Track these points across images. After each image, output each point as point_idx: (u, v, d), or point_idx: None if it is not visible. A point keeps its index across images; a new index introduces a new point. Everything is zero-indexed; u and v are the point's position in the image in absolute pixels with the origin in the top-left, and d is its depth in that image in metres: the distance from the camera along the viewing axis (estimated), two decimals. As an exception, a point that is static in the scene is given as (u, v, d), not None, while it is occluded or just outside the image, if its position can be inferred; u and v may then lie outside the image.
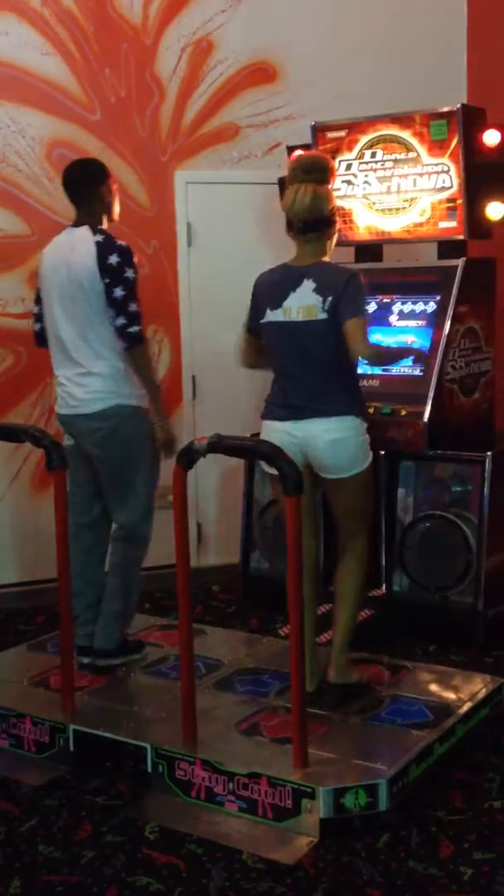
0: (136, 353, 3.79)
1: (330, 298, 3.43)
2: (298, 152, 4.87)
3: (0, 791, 3.34)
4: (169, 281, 5.31)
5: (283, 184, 4.79)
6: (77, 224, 3.86)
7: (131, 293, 3.73)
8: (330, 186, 3.56)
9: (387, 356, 4.07)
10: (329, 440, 3.48)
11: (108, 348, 3.78)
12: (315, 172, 3.51)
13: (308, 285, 3.46)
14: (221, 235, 5.34)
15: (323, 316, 3.43)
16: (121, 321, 3.72)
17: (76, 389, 3.82)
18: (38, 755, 3.52)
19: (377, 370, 4.47)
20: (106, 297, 3.71)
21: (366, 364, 3.67)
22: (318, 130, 4.81)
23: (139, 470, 3.86)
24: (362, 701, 3.57)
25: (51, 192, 5.07)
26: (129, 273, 3.72)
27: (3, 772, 3.45)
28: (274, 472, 3.46)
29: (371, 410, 4.08)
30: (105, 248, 3.72)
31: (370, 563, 4.48)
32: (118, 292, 3.70)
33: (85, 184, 3.87)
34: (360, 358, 3.52)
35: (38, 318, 4.02)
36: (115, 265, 3.70)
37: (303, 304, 3.46)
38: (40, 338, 4.04)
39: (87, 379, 3.79)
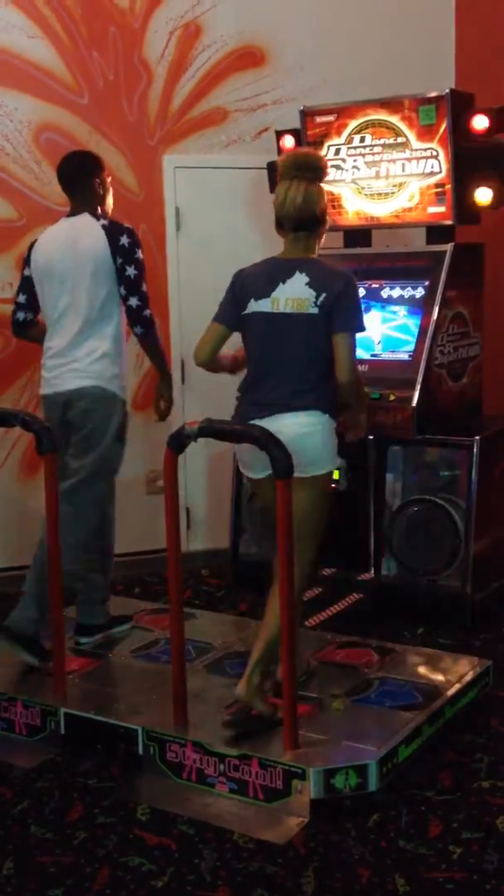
0: (150, 336, 3.87)
1: (324, 296, 3.33)
2: (289, 138, 4.89)
3: (-8, 774, 3.36)
4: (157, 265, 5.30)
5: (272, 168, 4.82)
6: (74, 213, 3.88)
7: (142, 274, 3.81)
8: (322, 185, 3.48)
9: (359, 391, 3.54)
10: (295, 434, 3.31)
11: (105, 338, 3.81)
12: (308, 170, 3.42)
13: (301, 278, 3.37)
14: (210, 220, 5.34)
15: (314, 311, 3.34)
16: (135, 301, 3.78)
17: (63, 369, 3.83)
18: (29, 738, 3.53)
19: (367, 355, 4.48)
20: (118, 277, 3.76)
21: (341, 386, 3.41)
22: (307, 115, 4.81)
23: (97, 454, 3.84)
24: (347, 685, 3.60)
25: (39, 176, 5.05)
26: (139, 253, 3.81)
27: (-5, 755, 3.47)
28: (253, 475, 3.46)
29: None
30: (114, 230, 3.78)
31: (360, 547, 4.55)
32: (131, 271, 3.76)
33: (79, 176, 3.90)
34: (339, 380, 3.38)
35: (23, 307, 4.00)
36: (126, 245, 3.76)
37: (293, 296, 3.37)
38: (23, 327, 4.04)
39: (76, 362, 3.81)
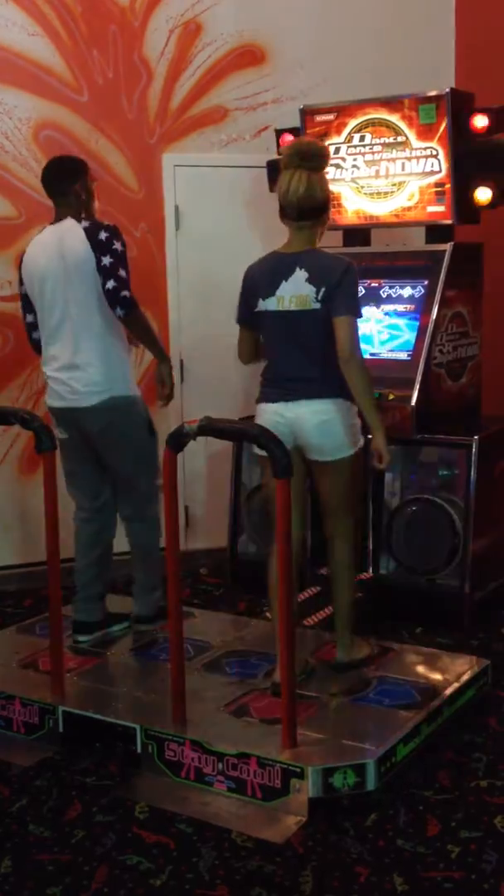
0: (132, 319, 3.81)
1: (324, 289, 3.41)
2: (289, 136, 4.89)
3: (-10, 772, 3.36)
4: (157, 264, 5.30)
5: (271, 167, 4.82)
6: (58, 219, 3.87)
7: (119, 262, 3.75)
8: (325, 174, 3.55)
9: (361, 369, 3.51)
10: (317, 421, 3.49)
11: (106, 340, 3.81)
12: (311, 159, 3.48)
13: (300, 275, 3.45)
14: (209, 218, 5.33)
15: (316, 306, 3.43)
16: (111, 284, 3.71)
17: (74, 383, 3.83)
18: (27, 736, 3.53)
19: (366, 354, 4.47)
20: (97, 270, 3.72)
21: (342, 364, 3.46)
22: (307, 113, 4.81)
23: (137, 457, 3.93)
24: (349, 681, 3.60)
25: (38, 174, 5.00)
26: (117, 245, 3.76)
27: (-7, 753, 3.47)
28: (263, 454, 3.48)
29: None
30: (93, 229, 3.76)
31: (359, 548, 4.53)
32: (106, 260, 3.72)
33: (59, 181, 3.88)
34: (340, 358, 3.44)
35: (34, 327, 3.99)
36: (103, 240, 3.74)
37: (295, 293, 3.45)
38: (38, 344, 4.03)
39: (83, 372, 3.81)
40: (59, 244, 3.79)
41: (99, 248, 3.73)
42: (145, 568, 4.11)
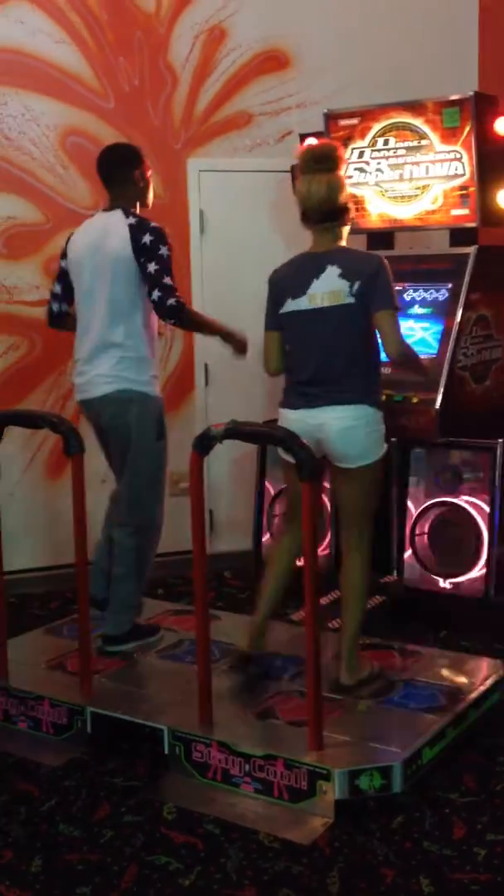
0: (183, 323, 3.84)
1: (357, 283, 3.43)
2: (309, 140, 4.90)
3: (20, 772, 3.40)
4: (181, 268, 5.31)
5: (295, 172, 4.84)
6: (109, 208, 3.87)
7: (165, 268, 3.72)
8: (341, 173, 3.57)
9: (414, 360, 3.78)
10: (341, 428, 3.47)
11: (136, 335, 3.80)
12: (326, 161, 3.52)
13: (333, 271, 3.47)
14: (234, 223, 5.37)
15: (350, 300, 3.44)
16: (156, 294, 3.70)
17: (91, 373, 3.84)
18: (55, 737, 3.57)
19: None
20: (141, 275, 3.72)
21: (392, 361, 3.59)
22: (331, 118, 4.82)
23: (137, 455, 3.86)
24: (376, 685, 3.61)
25: (65, 180, 5.10)
26: (163, 250, 3.73)
27: (22, 753, 3.51)
28: (288, 458, 3.49)
29: (383, 398, 4.10)
30: (138, 229, 3.73)
31: (383, 550, 4.55)
32: (151, 267, 3.70)
33: (117, 167, 3.87)
34: (389, 355, 3.52)
35: (57, 298, 4.01)
36: (148, 244, 3.71)
37: (328, 289, 3.46)
38: (57, 318, 4.05)
39: (100, 363, 3.81)
40: (101, 238, 3.78)
41: (143, 252, 3.70)
42: (127, 581, 3.95)
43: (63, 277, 3.99)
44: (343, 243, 3.59)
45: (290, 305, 3.53)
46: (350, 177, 4.62)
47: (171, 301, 3.70)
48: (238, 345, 3.99)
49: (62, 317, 4.05)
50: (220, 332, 3.97)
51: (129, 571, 3.92)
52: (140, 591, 4.02)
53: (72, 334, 4.00)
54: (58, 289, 4.02)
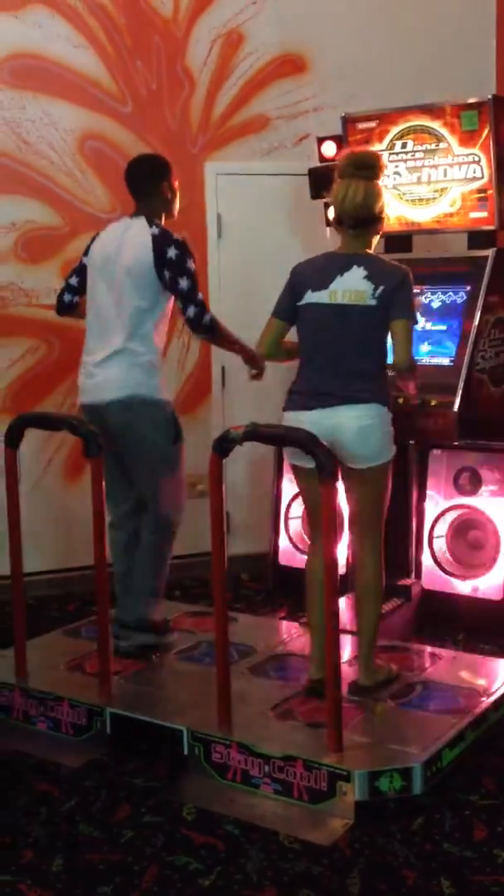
0: (215, 339, 3.90)
1: (382, 287, 3.44)
2: (330, 144, 4.91)
3: (40, 773, 3.40)
4: (199, 272, 5.32)
5: (313, 175, 4.85)
6: (135, 215, 3.89)
7: (195, 284, 3.77)
8: (380, 182, 3.58)
9: (415, 376, 3.76)
10: (358, 427, 3.46)
11: (148, 342, 3.81)
12: (367, 169, 3.54)
13: (358, 272, 3.48)
14: (251, 227, 5.38)
15: (372, 302, 3.45)
16: (192, 310, 3.74)
17: (99, 377, 3.85)
18: (75, 738, 3.58)
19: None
20: (162, 286, 3.74)
21: (398, 370, 3.60)
22: (349, 121, 4.82)
23: (153, 461, 3.87)
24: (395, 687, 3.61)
25: (83, 185, 5.12)
26: (190, 264, 3.76)
27: (43, 754, 3.52)
28: (300, 464, 3.49)
29: (401, 400, 4.11)
30: (161, 241, 3.74)
31: (401, 552, 4.55)
32: (183, 283, 3.73)
33: (146, 179, 3.89)
34: (397, 364, 3.54)
35: (72, 289, 4.03)
36: (174, 258, 3.72)
37: (351, 288, 3.47)
38: (67, 307, 4.07)
39: (115, 368, 3.81)
40: (121, 245, 3.80)
41: (170, 267, 3.72)
42: (146, 574, 3.99)
43: (81, 272, 4.01)
44: (371, 251, 3.60)
45: (310, 297, 3.53)
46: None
47: (207, 319, 3.77)
48: (257, 370, 4.04)
49: (73, 307, 4.08)
50: (243, 353, 4.01)
51: (144, 559, 3.96)
52: (156, 589, 4.02)
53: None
54: (74, 281, 4.04)
